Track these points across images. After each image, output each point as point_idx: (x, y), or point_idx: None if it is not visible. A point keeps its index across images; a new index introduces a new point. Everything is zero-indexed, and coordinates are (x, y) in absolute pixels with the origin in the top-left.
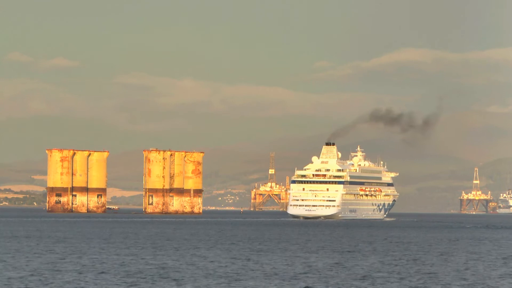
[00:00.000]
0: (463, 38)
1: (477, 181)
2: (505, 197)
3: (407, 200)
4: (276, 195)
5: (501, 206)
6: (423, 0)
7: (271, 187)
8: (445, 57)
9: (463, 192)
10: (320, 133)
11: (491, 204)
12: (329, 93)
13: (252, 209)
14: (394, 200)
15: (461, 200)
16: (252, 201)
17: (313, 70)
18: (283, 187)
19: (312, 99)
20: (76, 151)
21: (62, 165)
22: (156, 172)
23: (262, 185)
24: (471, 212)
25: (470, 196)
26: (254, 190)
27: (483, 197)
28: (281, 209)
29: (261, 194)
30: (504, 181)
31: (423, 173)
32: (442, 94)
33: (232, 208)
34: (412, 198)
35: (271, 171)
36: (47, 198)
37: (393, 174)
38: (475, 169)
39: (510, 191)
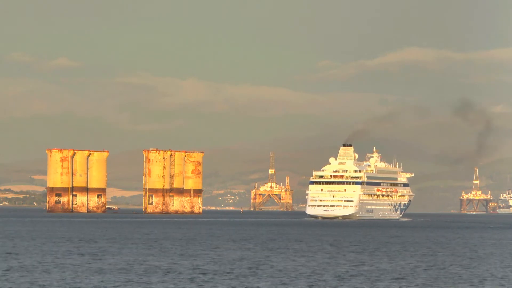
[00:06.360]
0: (467, 38)
1: (477, 181)
2: (505, 197)
3: None
4: (276, 195)
5: (501, 206)
6: None
7: (271, 187)
8: (450, 57)
9: (463, 192)
10: (322, 133)
11: (491, 204)
12: (332, 93)
13: (252, 209)
14: (409, 201)
15: (461, 200)
16: (252, 201)
17: (316, 70)
18: (283, 187)
19: (315, 99)
20: (76, 151)
21: (62, 165)
22: (156, 172)
23: (262, 185)
24: (471, 212)
25: (470, 196)
26: (254, 190)
27: (483, 197)
28: (281, 209)
29: (261, 194)
30: (504, 181)
31: (423, 173)
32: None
33: (232, 208)
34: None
35: (271, 171)
36: (47, 198)
37: (408, 175)
38: (475, 169)
39: (510, 191)
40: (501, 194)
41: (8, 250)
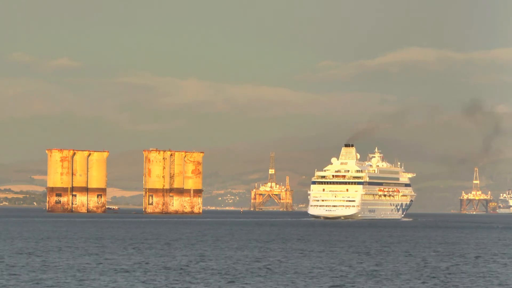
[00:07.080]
0: (468, 38)
1: (477, 181)
2: (505, 197)
3: None
4: (276, 195)
5: (501, 206)
6: None
7: (271, 187)
8: (450, 57)
9: (463, 192)
10: (322, 133)
11: (491, 204)
12: (333, 93)
13: (252, 209)
14: (411, 200)
15: (461, 200)
16: (252, 201)
17: (317, 70)
18: (283, 187)
19: (315, 99)
20: (76, 151)
21: (62, 165)
22: (156, 172)
23: (262, 185)
24: (471, 212)
25: (470, 196)
26: (254, 190)
27: (483, 197)
28: (281, 209)
29: (261, 194)
30: (504, 181)
31: (423, 173)
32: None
33: (232, 208)
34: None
35: (271, 171)
36: (47, 198)
37: (410, 175)
38: (475, 169)
39: (510, 191)
40: (501, 194)
41: (17, 250)
